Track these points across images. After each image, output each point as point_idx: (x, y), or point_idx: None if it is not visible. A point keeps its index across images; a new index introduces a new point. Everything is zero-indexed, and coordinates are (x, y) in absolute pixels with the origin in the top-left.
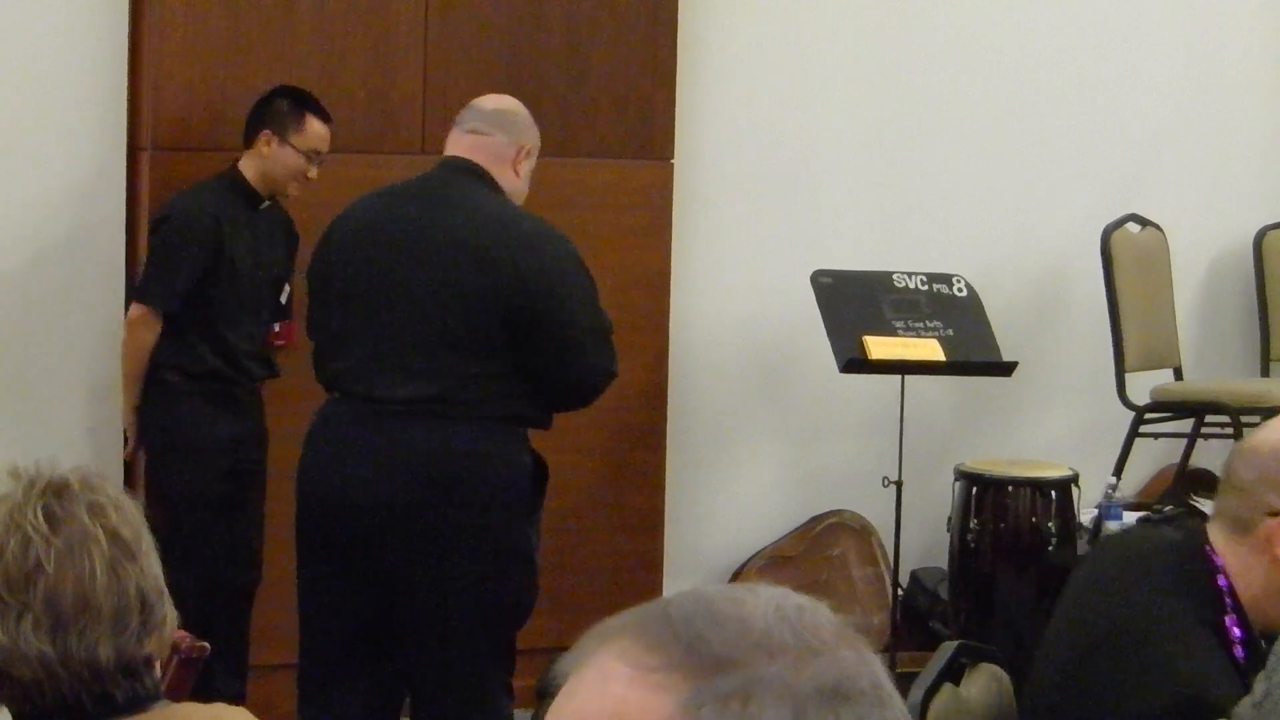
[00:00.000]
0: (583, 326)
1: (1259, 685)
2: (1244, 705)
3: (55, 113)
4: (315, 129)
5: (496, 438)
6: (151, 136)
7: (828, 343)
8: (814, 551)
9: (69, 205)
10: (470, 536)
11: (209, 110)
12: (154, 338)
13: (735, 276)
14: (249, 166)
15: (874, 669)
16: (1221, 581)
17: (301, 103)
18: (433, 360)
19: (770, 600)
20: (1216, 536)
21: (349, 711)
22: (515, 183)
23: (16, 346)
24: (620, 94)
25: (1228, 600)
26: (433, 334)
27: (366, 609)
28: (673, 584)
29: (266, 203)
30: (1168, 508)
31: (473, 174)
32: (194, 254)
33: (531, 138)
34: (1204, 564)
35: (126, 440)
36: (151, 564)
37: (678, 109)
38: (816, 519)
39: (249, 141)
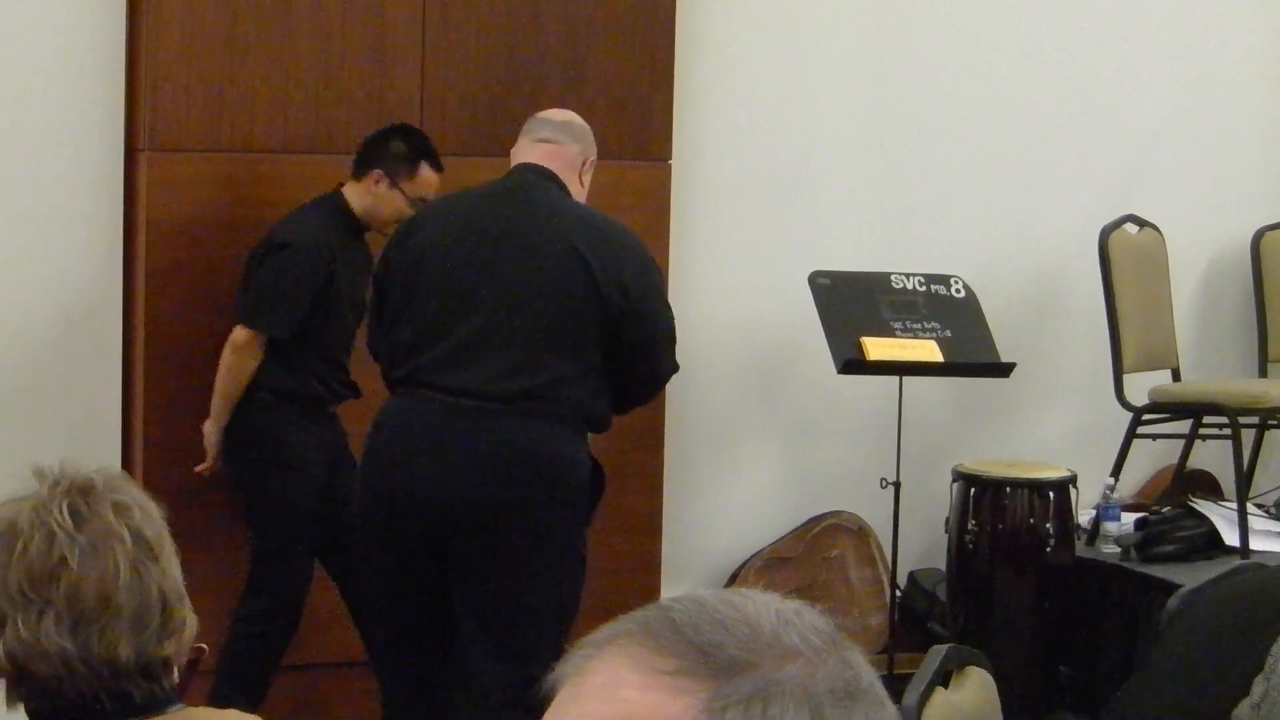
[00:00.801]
0: (663, 327)
1: (1258, 686)
2: (1243, 706)
3: (52, 113)
4: (427, 177)
5: (567, 439)
6: (149, 137)
7: (825, 344)
8: (812, 553)
9: (66, 206)
10: (531, 536)
11: (207, 111)
12: (256, 363)
13: (733, 277)
14: (355, 198)
15: (869, 669)
16: None
17: (418, 150)
18: (525, 357)
19: (768, 604)
20: None
21: (418, 685)
22: (580, 191)
23: (13, 348)
24: (618, 95)
25: None
26: (529, 332)
27: (430, 598)
28: (671, 585)
29: (365, 234)
30: (1165, 509)
31: (551, 179)
32: (312, 283)
33: (594, 150)
34: None
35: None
36: (173, 567)
37: (676, 110)
38: (814, 520)
39: (358, 174)
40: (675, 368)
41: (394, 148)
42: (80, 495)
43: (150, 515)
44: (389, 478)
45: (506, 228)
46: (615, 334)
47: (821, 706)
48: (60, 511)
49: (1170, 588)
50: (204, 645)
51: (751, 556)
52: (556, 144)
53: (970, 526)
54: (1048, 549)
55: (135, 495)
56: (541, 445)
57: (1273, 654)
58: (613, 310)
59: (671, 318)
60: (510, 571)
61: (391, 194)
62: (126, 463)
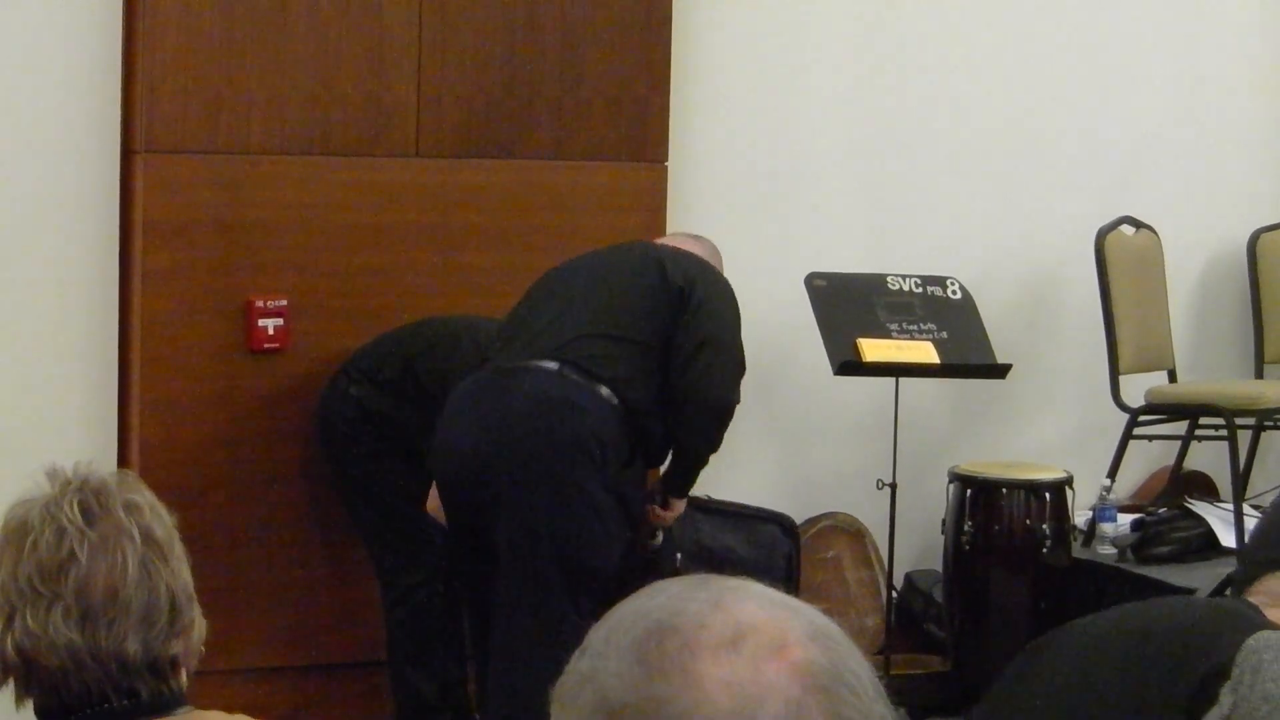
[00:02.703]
0: (723, 337)
1: (1226, 698)
2: (1212, 717)
3: (49, 115)
4: None
5: (583, 390)
6: (145, 139)
7: (822, 345)
8: (808, 554)
9: (63, 208)
10: (532, 477)
11: (203, 113)
12: None
13: (729, 279)
14: None
15: (868, 672)
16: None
17: None
18: (578, 332)
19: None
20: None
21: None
22: None
23: (9, 350)
24: (614, 96)
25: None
26: (589, 310)
27: (479, 549)
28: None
29: None
30: (1162, 510)
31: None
32: None
33: (721, 267)
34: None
35: None
36: (183, 569)
37: (672, 112)
38: (810, 521)
39: None
40: (732, 394)
41: None
42: (92, 494)
43: (161, 517)
44: (442, 439)
45: (608, 253)
46: (673, 326)
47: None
48: (71, 508)
49: (1166, 589)
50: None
51: None
52: (696, 241)
53: (966, 528)
54: (1044, 550)
55: (147, 497)
56: (553, 390)
57: (1238, 664)
58: (673, 297)
59: (736, 345)
60: (515, 513)
61: None
62: (123, 464)
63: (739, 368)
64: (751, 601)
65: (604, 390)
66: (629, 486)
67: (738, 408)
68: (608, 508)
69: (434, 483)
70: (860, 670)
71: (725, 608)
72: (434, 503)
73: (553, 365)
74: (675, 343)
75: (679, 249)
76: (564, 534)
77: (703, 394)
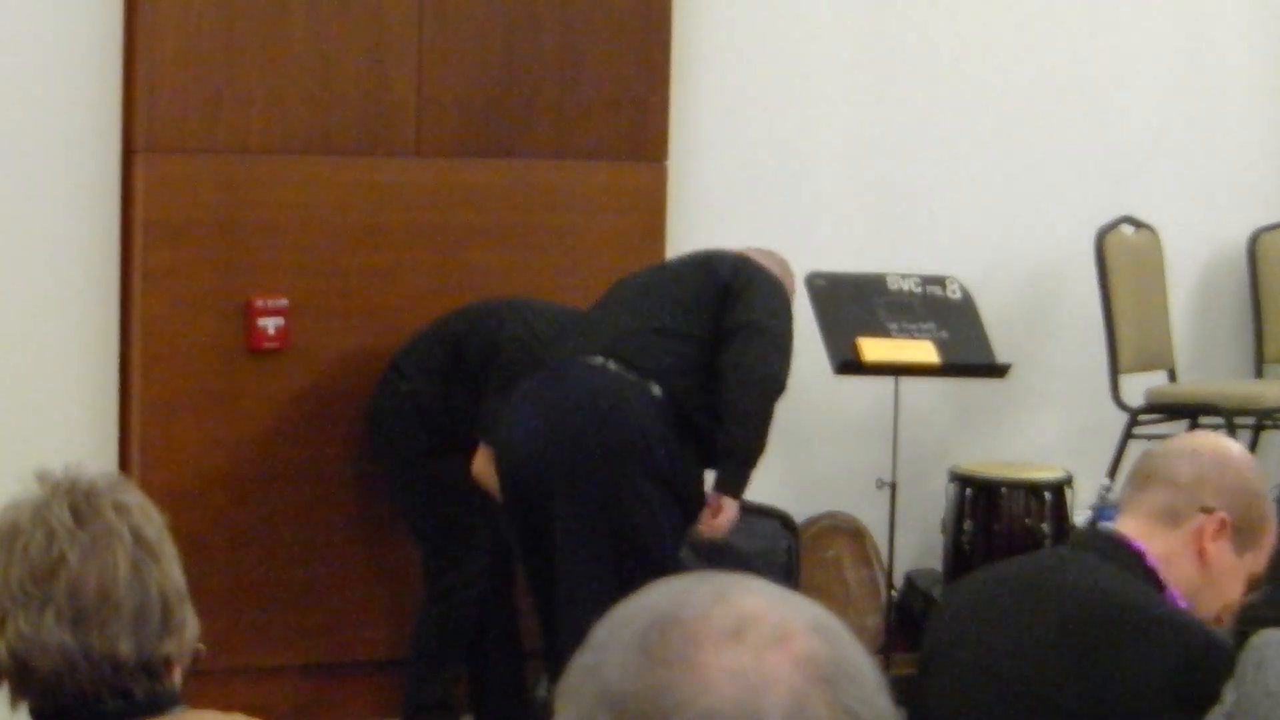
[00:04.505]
0: (761, 321)
1: (1229, 694)
2: (1215, 714)
3: (48, 114)
4: None
5: (632, 387)
6: (145, 138)
7: (822, 345)
8: (808, 554)
9: (62, 208)
10: (579, 474)
11: (203, 112)
12: None
13: None
14: None
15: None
16: (1151, 562)
17: None
18: (628, 330)
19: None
20: (1135, 527)
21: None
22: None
23: (9, 349)
24: (614, 95)
25: (1161, 579)
26: (640, 309)
27: (536, 536)
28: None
29: None
30: None
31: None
32: None
33: (792, 281)
34: (1129, 549)
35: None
36: (174, 568)
37: (672, 110)
38: (810, 521)
39: None
40: (772, 370)
41: None
42: (81, 496)
43: (151, 517)
44: (504, 432)
45: (668, 261)
46: (721, 317)
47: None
48: (61, 510)
49: None
50: (202, 645)
51: None
52: (766, 255)
53: (966, 527)
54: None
55: (136, 498)
56: (598, 384)
57: (1241, 660)
58: (720, 290)
59: (781, 331)
60: (569, 507)
61: None
62: (123, 464)
63: (781, 353)
64: (753, 595)
65: (649, 383)
66: (681, 478)
67: None
68: (658, 501)
69: (487, 453)
70: (862, 663)
71: (728, 600)
72: (480, 466)
73: (599, 360)
74: (721, 330)
75: (738, 252)
76: (617, 528)
77: (741, 370)
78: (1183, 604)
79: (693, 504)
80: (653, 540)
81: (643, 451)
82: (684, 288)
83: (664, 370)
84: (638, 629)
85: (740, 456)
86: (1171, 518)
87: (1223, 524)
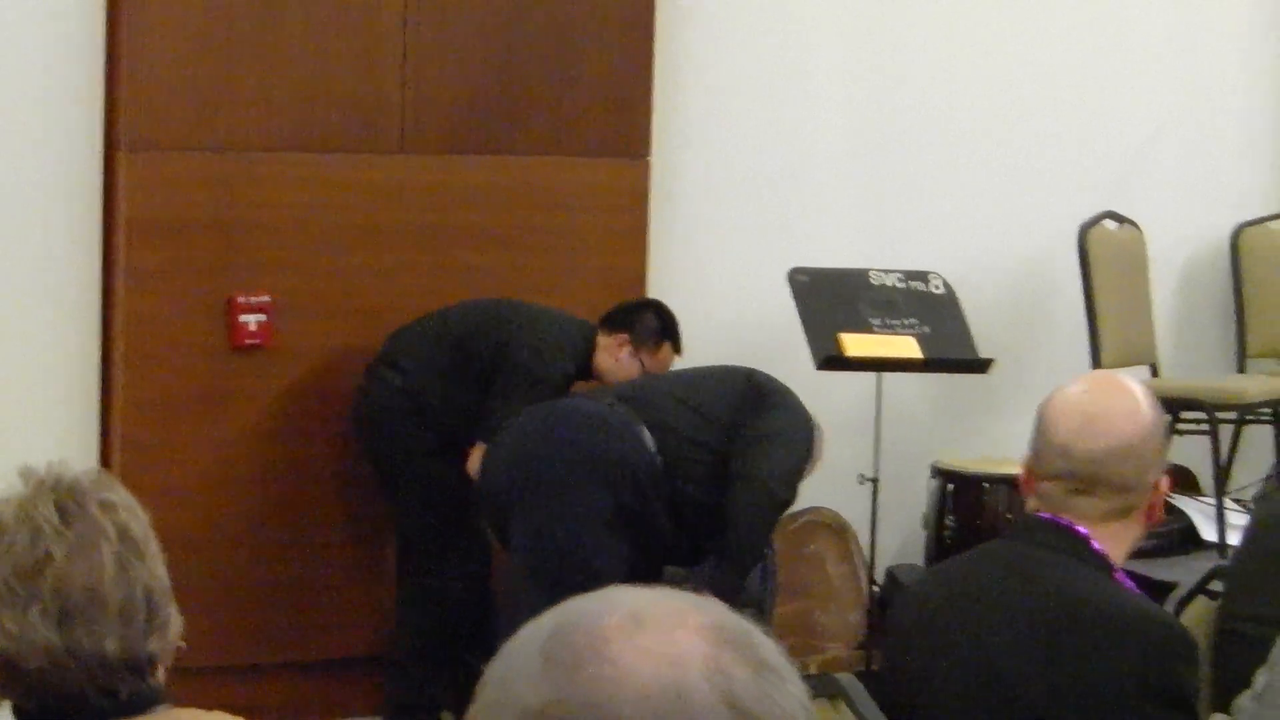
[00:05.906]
0: (788, 434)
1: (1260, 678)
2: (1245, 698)
3: (32, 111)
4: (666, 356)
5: (627, 424)
6: (129, 136)
7: (804, 340)
8: (790, 549)
9: (46, 205)
10: (550, 485)
11: (188, 109)
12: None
13: (712, 274)
14: (598, 350)
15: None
16: (1096, 545)
17: (665, 329)
18: (645, 395)
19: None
20: (1081, 521)
21: None
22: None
23: None
24: (598, 91)
25: (1109, 562)
26: (663, 384)
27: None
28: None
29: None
30: None
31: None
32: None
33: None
34: (1074, 535)
35: None
36: (159, 566)
37: (655, 106)
38: (792, 516)
39: (608, 330)
40: (782, 487)
41: (648, 320)
42: (67, 493)
43: (136, 515)
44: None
45: None
46: (740, 413)
47: None
48: (46, 508)
49: (1146, 583)
50: (184, 643)
51: None
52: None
53: (948, 523)
54: None
55: (121, 495)
56: (594, 411)
57: (1278, 644)
58: (749, 390)
59: (799, 452)
60: (524, 513)
61: (631, 361)
62: (105, 463)
63: (794, 474)
64: (638, 595)
65: (644, 433)
66: (651, 525)
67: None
68: (617, 524)
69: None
70: (752, 626)
71: (616, 602)
72: (476, 465)
73: (607, 399)
74: (742, 428)
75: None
76: (561, 535)
77: (755, 475)
78: (1129, 583)
79: (655, 550)
80: (595, 557)
81: (615, 479)
82: (716, 377)
83: (663, 425)
84: (538, 647)
85: (735, 555)
86: (1124, 513)
87: (1157, 486)
